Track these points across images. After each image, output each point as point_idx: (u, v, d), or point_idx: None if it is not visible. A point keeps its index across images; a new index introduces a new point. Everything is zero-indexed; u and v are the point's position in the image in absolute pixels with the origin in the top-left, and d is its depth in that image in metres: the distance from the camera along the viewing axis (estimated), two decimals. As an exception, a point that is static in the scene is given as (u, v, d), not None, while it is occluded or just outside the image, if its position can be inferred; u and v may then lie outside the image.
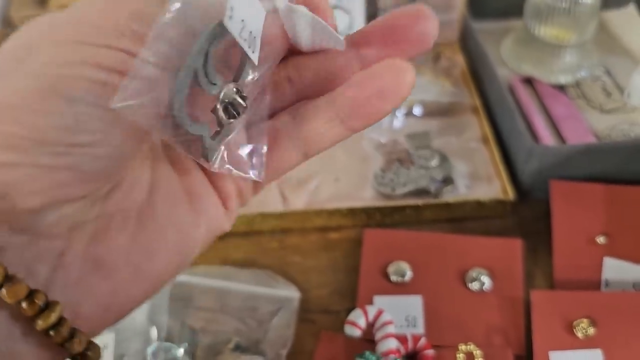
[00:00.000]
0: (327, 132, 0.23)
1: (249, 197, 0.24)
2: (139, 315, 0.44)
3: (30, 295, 0.18)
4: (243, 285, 0.46)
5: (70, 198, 0.19)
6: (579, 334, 0.40)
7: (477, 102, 0.58)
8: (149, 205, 0.21)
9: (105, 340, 0.42)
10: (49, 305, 0.18)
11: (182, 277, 0.46)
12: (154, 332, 0.43)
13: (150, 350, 0.41)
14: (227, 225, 0.24)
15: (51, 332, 0.18)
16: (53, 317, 0.18)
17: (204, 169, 0.22)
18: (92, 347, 0.20)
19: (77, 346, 0.19)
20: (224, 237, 0.49)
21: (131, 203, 0.21)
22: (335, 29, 0.23)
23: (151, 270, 0.21)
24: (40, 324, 0.18)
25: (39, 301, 0.18)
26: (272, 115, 0.24)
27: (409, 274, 0.45)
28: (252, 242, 0.50)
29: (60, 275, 0.19)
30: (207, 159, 0.19)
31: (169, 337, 0.42)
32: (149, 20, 0.18)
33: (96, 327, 0.20)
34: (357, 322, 0.40)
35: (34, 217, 0.18)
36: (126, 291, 0.21)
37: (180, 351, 0.41)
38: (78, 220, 0.19)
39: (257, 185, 0.24)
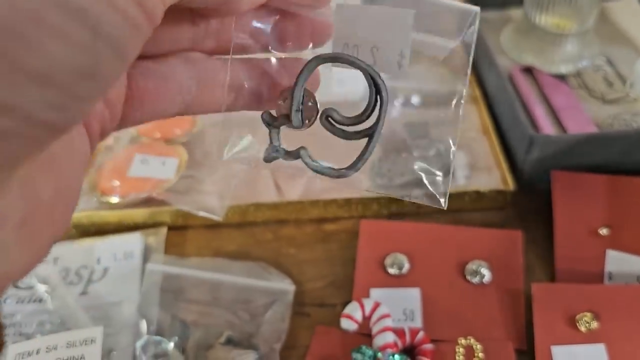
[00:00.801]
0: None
1: (107, 135, 0.22)
2: (128, 308, 0.43)
3: None
4: (236, 277, 0.44)
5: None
6: (582, 328, 0.39)
7: (477, 92, 0.57)
8: (53, 151, 0.18)
9: (93, 334, 0.40)
10: None
11: (173, 269, 0.45)
12: (143, 325, 0.41)
13: (139, 344, 0.40)
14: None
15: None
16: None
17: None
18: None
19: None
20: (216, 228, 0.49)
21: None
22: None
23: (64, 223, 0.19)
24: None
25: None
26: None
27: (406, 266, 0.44)
28: (245, 233, 0.49)
29: None
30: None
31: (159, 331, 0.41)
32: None
33: None
34: (353, 316, 0.39)
35: None
36: (42, 255, 0.18)
37: (171, 345, 0.40)
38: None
39: (121, 125, 0.22)
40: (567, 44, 0.57)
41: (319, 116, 0.23)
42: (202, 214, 0.47)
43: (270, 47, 0.23)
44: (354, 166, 0.22)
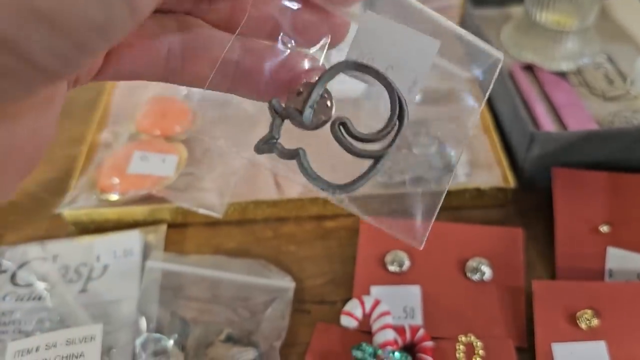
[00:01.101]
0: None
1: (79, 85, 0.21)
2: (128, 305, 0.43)
3: None
4: (236, 275, 0.44)
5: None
6: (583, 325, 0.39)
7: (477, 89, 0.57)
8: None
9: (92, 332, 0.40)
10: None
11: (173, 267, 0.45)
12: (143, 322, 0.41)
13: (139, 341, 0.40)
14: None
15: None
16: None
17: None
18: None
19: None
20: (216, 225, 0.48)
21: None
22: None
23: (33, 165, 0.19)
24: None
25: None
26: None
27: (407, 264, 0.44)
28: (245, 230, 0.49)
29: None
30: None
31: (158, 328, 0.41)
32: None
33: None
34: (353, 313, 0.39)
35: None
36: (10, 193, 0.18)
37: (170, 342, 0.40)
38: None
39: (96, 77, 0.21)
40: (568, 41, 0.57)
41: (331, 121, 0.21)
42: (202, 211, 0.47)
43: (281, 33, 0.22)
44: (349, 187, 0.21)
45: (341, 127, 0.21)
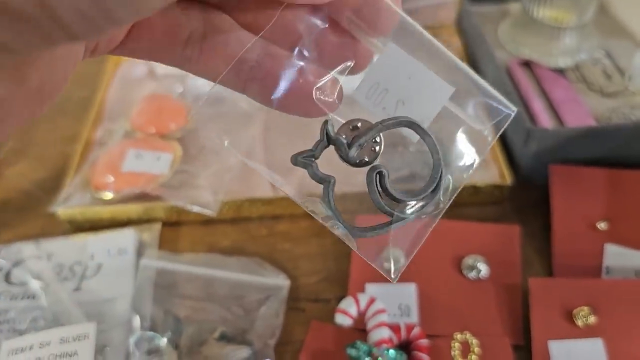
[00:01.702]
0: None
1: (97, 55, 0.21)
2: (122, 304, 0.43)
3: None
4: (230, 273, 0.44)
5: None
6: (579, 323, 0.38)
7: (474, 86, 0.56)
8: None
9: (86, 330, 0.40)
10: None
11: (167, 265, 0.44)
12: (136, 321, 0.41)
13: (132, 339, 0.40)
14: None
15: None
16: None
17: None
18: None
19: None
20: (210, 223, 0.48)
21: None
22: None
23: (31, 116, 0.19)
24: None
25: None
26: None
27: (402, 261, 0.44)
28: (240, 228, 0.48)
29: None
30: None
31: (152, 326, 0.41)
32: None
33: None
34: (348, 311, 0.39)
35: None
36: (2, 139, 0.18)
37: (164, 341, 0.40)
38: None
39: (114, 51, 0.21)
40: (566, 37, 0.56)
41: (369, 167, 0.22)
42: (195, 209, 0.47)
43: (299, 46, 0.22)
44: (362, 232, 0.22)
45: (377, 176, 0.21)
